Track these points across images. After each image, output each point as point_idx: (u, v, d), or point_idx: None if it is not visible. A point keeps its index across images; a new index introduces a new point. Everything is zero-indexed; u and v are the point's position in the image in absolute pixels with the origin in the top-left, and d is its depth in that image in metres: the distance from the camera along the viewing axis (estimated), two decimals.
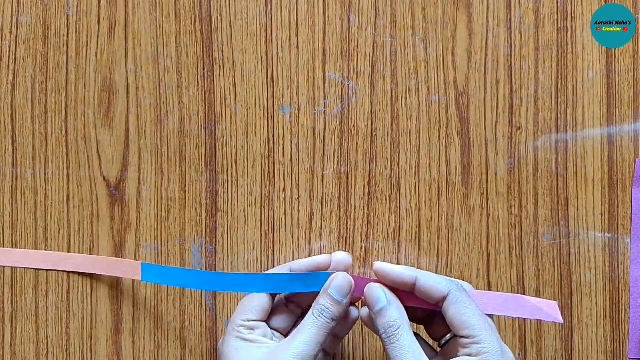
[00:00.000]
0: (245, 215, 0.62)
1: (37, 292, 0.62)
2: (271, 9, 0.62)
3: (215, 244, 0.62)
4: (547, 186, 0.62)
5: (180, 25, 0.62)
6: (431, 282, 0.53)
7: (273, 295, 0.56)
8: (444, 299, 0.53)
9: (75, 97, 0.62)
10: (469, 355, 0.51)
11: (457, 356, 0.52)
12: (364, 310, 0.56)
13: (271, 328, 0.56)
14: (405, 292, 0.54)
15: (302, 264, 0.57)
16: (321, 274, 0.55)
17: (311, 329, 0.53)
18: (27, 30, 0.62)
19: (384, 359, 0.62)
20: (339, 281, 0.54)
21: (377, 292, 0.54)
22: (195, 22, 0.62)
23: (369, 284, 0.54)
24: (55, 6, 0.62)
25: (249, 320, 0.55)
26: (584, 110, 0.62)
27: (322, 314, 0.53)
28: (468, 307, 0.52)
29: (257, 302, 0.56)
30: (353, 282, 0.55)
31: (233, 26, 0.62)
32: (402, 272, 0.54)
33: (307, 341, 0.52)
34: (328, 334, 0.53)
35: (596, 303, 0.62)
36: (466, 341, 0.52)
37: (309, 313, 0.54)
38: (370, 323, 0.55)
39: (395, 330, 0.52)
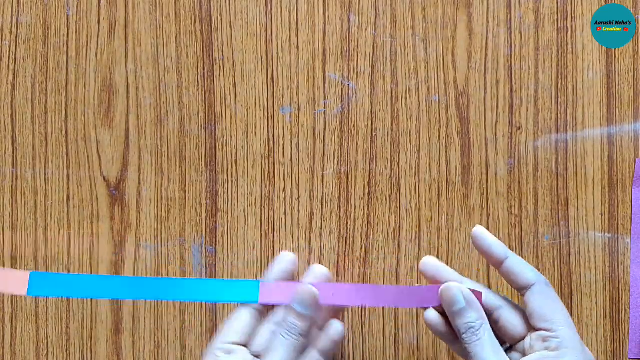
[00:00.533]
0: (245, 215, 0.62)
1: None
2: (271, 9, 0.62)
3: (215, 244, 0.62)
4: (547, 186, 0.62)
5: (180, 25, 0.62)
6: (521, 267, 0.53)
7: (258, 318, 0.54)
8: (528, 287, 0.52)
9: (75, 97, 0.62)
10: (547, 349, 0.51)
11: (534, 352, 0.51)
12: (430, 313, 0.54)
13: (253, 353, 0.54)
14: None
15: (272, 274, 0.55)
16: (250, 283, 0.54)
17: (280, 350, 0.52)
18: (27, 30, 0.62)
19: (385, 359, 0.62)
20: (301, 294, 0.53)
21: (455, 294, 0.52)
22: (195, 22, 0.62)
23: (446, 284, 0.53)
24: (55, 6, 0.62)
25: (226, 343, 0.53)
26: (584, 110, 0.62)
27: (289, 332, 0.52)
28: (553, 301, 0.52)
29: (238, 323, 0.54)
30: (316, 292, 0.53)
31: (233, 26, 0.62)
32: (496, 245, 0.54)
33: None
34: (299, 350, 0.52)
35: (596, 303, 0.62)
36: (545, 334, 0.51)
37: (276, 332, 0.52)
38: (438, 323, 0.54)
39: (477, 330, 0.51)
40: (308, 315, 0.53)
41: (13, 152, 0.62)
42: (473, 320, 0.52)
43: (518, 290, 0.53)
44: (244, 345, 0.53)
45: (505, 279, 0.54)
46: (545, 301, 0.52)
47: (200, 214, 0.62)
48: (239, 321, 0.54)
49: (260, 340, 0.54)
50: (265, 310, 0.55)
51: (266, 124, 0.62)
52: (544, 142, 0.62)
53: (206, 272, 0.62)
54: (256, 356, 0.53)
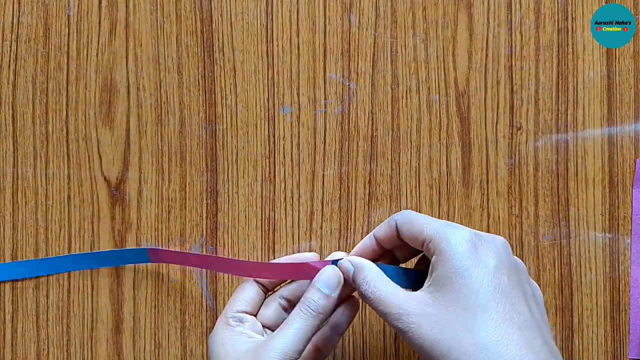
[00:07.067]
0: (245, 215, 0.62)
1: (38, 291, 0.62)
2: (272, 9, 0.62)
3: (216, 244, 0.62)
4: (548, 186, 0.62)
5: (181, 25, 0.62)
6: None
7: (263, 290, 0.56)
8: (397, 229, 0.53)
9: (76, 97, 0.63)
10: (435, 255, 0.50)
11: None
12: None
13: (262, 324, 0.56)
14: None
15: (289, 259, 0.57)
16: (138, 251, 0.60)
17: (297, 324, 0.52)
18: (27, 30, 0.62)
19: (384, 358, 0.62)
20: (328, 274, 0.53)
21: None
22: (196, 22, 0.62)
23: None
24: (56, 6, 0.62)
25: (237, 312, 0.55)
26: (584, 110, 0.62)
27: (308, 308, 0.52)
28: (417, 219, 0.52)
29: (246, 293, 0.56)
30: (342, 275, 0.54)
31: (234, 26, 0.62)
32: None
33: (291, 335, 0.51)
34: (315, 329, 0.52)
35: (596, 303, 0.62)
36: (428, 246, 0.51)
37: (296, 307, 0.53)
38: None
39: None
40: (331, 295, 0.53)
41: (14, 152, 0.63)
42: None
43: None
44: (253, 315, 0.56)
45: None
46: (410, 225, 0.52)
47: (200, 214, 0.62)
48: (247, 292, 0.56)
49: (267, 311, 0.56)
50: (271, 285, 0.57)
51: (267, 124, 0.62)
52: (544, 143, 0.62)
53: (207, 272, 0.62)
54: (264, 326, 0.55)
